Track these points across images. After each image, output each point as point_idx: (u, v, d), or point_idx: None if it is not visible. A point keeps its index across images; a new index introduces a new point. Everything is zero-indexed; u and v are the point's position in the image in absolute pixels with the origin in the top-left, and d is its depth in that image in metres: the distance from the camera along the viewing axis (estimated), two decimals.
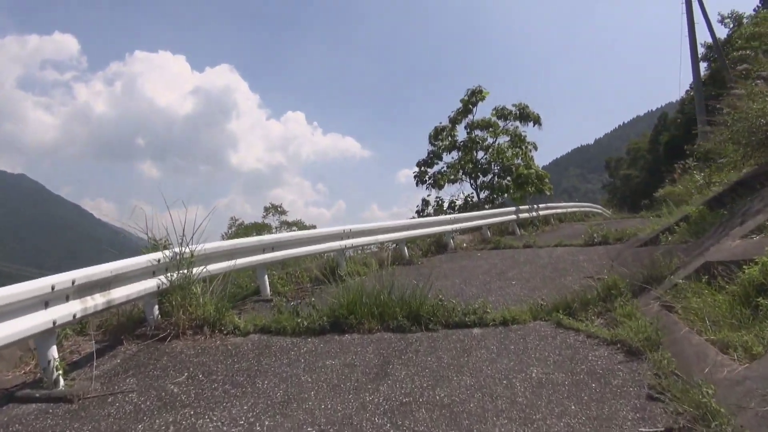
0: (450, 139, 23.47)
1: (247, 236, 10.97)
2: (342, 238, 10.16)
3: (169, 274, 5.97)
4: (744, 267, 4.64)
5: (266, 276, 8.18)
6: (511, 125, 22.83)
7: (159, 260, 5.87)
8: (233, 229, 33.18)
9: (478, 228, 15.95)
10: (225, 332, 5.87)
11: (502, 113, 22.58)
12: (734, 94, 7.59)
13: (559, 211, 22.22)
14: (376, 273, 10.23)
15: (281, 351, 5.30)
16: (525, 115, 22.14)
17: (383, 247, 12.71)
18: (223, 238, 30.49)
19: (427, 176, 23.29)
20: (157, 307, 6.01)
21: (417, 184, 23.21)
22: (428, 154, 23.66)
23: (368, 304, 5.94)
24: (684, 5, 25.76)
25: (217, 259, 7.06)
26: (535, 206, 19.72)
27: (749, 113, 6.97)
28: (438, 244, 14.02)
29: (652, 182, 50.86)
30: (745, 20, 42.60)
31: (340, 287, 6.29)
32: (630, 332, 4.71)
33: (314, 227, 33.12)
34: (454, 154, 23.55)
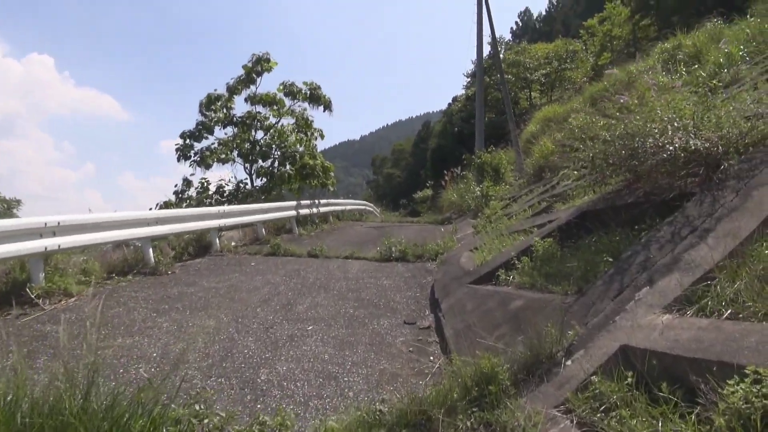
0: (226, 111, 19.77)
1: None
2: (42, 236, 6.38)
3: None
4: (725, 380, 2.75)
5: None
6: (299, 106, 20.22)
7: None
8: None
9: (252, 224, 13.06)
10: None
11: (290, 90, 19.64)
12: (615, 100, 6.18)
13: (338, 208, 20.47)
14: (96, 295, 6.71)
15: None
16: (316, 97, 19.61)
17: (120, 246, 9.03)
18: None
19: (192, 151, 19.26)
20: None
21: (179, 160, 19.04)
22: (197, 125, 19.57)
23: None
24: (476, 25, 26.11)
25: None
26: (317, 201, 17.53)
27: (629, 126, 5.52)
28: (199, 243, 10.76)
29: (413, 184, 53.88)
30: (502, 47, 47.30)
31: None
32: None
33: (17, 202, 26.03)
34: (229, 130, 19.98)
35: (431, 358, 4.82)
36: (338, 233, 16.05)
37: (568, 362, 3.71)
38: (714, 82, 6.72)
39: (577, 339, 3.90)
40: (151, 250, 8.72)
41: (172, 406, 2.94)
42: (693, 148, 4.96)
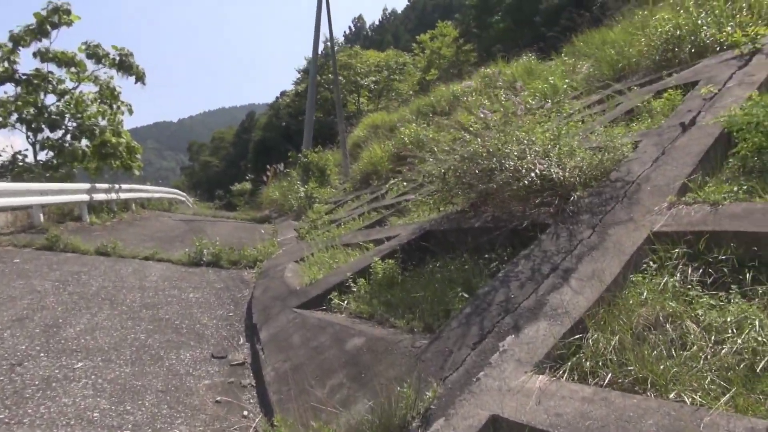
0: (7, 65, 15.99)
1: None
2: None
3: None
4: None
5: None
6: (105, 73, 17.20)
7: None
8: None
9: (27, 207, 10.54)
10: None
11: (95, 52, 16.53)
12: (477, 114, 5.64)
13: (144, 195, 17.97)
14: None
15: None
16: (127, 65, 16.80)
17: None
18: None
19: None
20: None
21: None
22: None
23: None
24: (314, 21, 25.18)
25: None
26: (117, 186, 15.02)
27: (489, 144, 5.02)
28: None
29: (231, 175, 51.18)
30: (337, 47, 47.08)
31: None
32: None
33: None
34: (10, 89, 16.25)
35: (245, 413, 3.74)
36: (141, 225, 13.87)
37: None
38: (566, 108, 6.68)
39: (435, 402, 3.16)
40: None
41: None
42: (553, 176, 4.61)
